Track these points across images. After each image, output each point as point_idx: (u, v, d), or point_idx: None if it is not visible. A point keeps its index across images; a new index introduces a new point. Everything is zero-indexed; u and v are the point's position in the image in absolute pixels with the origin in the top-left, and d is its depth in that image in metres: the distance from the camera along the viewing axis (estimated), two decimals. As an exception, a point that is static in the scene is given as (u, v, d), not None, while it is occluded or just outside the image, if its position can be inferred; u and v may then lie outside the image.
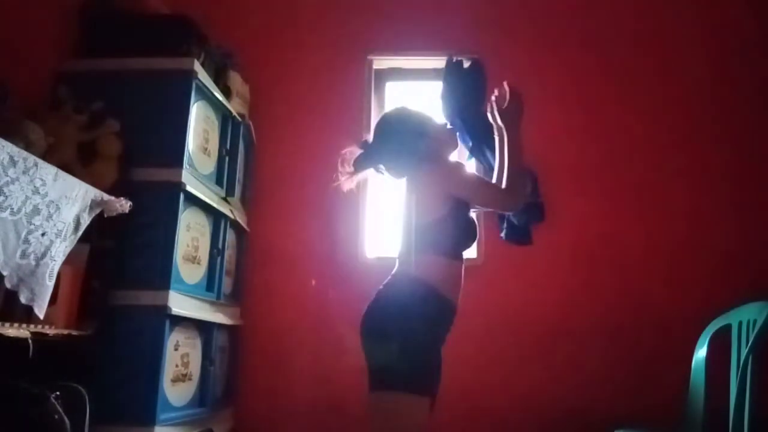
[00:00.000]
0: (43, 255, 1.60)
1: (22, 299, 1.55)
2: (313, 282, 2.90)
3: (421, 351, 1.69)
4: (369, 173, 1.96)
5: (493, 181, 1.94)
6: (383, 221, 3.00)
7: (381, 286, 1.79)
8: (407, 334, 1.67)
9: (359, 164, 1.93)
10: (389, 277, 1.80)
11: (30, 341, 1.61)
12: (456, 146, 2.04)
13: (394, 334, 1.67)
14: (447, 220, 1.77)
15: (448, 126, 2.06)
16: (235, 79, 2.78)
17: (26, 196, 1.53)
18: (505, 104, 1.89)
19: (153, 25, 2.41)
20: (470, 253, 2.92)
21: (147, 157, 2.18)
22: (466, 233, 1.82)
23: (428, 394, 1.68)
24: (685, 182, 2.92)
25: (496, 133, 1.94)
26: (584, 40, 3.07)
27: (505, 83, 1.92)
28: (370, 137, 1.96)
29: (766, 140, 2.94)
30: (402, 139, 1.88)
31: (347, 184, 1.95)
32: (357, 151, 1.94)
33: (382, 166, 1.93)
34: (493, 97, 1.92)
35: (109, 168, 2.08)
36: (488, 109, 1.94)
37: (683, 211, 2.89)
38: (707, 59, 3.03)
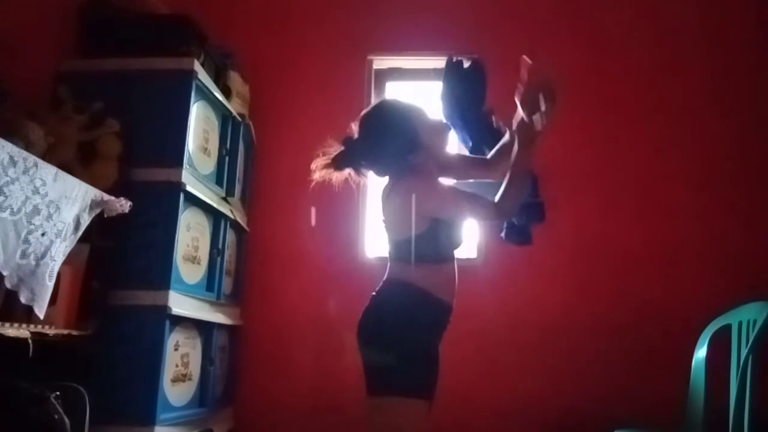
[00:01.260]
0: (43, 255, 1.60)
1: (22, 299, 1.55)
2: (312, 278, 2.90)
3: (417, 354, 1.68)
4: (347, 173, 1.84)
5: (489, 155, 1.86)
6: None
7: (374, 292, 1.78)
8: (403, 338, 1.66)
9: (339, 163, 1.80)
10: (381, 282, 1.79)
11: (30, 341, 1.61)
12: (446, 144, 1.91)
13: (390, 339, 1.67)
14: (431, 233, 1.71)
15: (443, 122, 1.95)
16: (235, 79, 2.78)
17: (26, 196, 1.53)
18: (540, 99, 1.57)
19: (153, 25, 2.41)
20: (470, 252, 2.93)
21: (147, 157, 2.18)
22: (453, 239, 1.77)
23: (427, 396, 1.68)
24: (685, 182, 2.92)
25: (510, 133, 1.75)
26: (584, 40, 3.07)
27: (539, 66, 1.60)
28: (355, 132, 1.82)
29: (766, 140, 2.94)
30: (390, 146, 1.77)
31: (320, 174, 1.82)
32: (339, 148, 1.82)
33: (362, 167, 1.83)
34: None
35: (109, 168, 2.08)
36: (518, 98, 1.65)
37: (683, 211, 2.89)
38: (707, 58, 3.02)
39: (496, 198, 1.70)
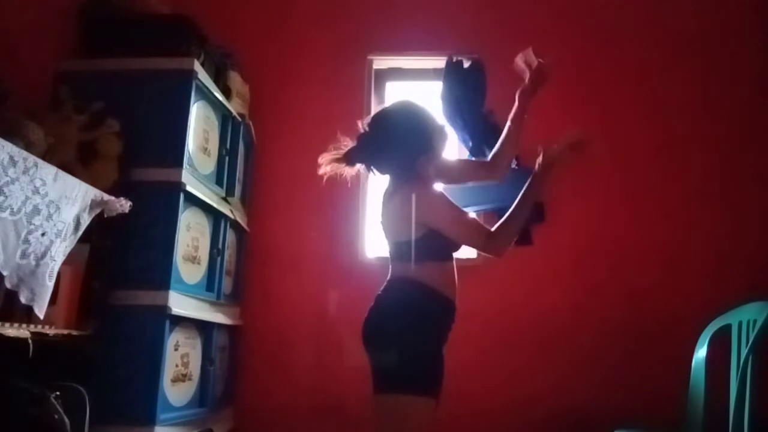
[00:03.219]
0: (43, 255, 1.60)
1: (22, 299, 1.55)
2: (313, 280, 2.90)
3: (424, 352, 1.69)
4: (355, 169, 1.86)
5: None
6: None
7: (380, 291, 1.78)
8: (410, 336, 1.67)
9: (352, 158, 1.83)
10: (386, 282, 1.79)
11: (30, 341, 1.61)
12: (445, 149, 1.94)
13: (396, 337, 1.67)
14: (430, 236, 1.73)
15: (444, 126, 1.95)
16: (235, 79, 2.78)
17: (26, 196, 1.53)
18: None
19: (153, 25, 2.41)
20: (470, 253, 2.92)
21: (147, 157, 2.18)
22: (451, 244, 1.79)
23: (433, 394, 1.68)
24: (684, 182, 2.92)
25: (536, 171, 1.89)
26: (584, 41, 3.07)
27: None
28: (366, 129, 1.84)
29: (765, 140, 2.94)
30: (405, 146, 1.78)
31: (326, 167, 1.83)
32: (351, 143, 1.84)
33: (373, 164, 1.84)
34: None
35: (109, 168, 2.08)
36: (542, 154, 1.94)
37: (683, 211, 2.89)
38: (707, 59, 3.03)
39: (494, 228, 1.77)
